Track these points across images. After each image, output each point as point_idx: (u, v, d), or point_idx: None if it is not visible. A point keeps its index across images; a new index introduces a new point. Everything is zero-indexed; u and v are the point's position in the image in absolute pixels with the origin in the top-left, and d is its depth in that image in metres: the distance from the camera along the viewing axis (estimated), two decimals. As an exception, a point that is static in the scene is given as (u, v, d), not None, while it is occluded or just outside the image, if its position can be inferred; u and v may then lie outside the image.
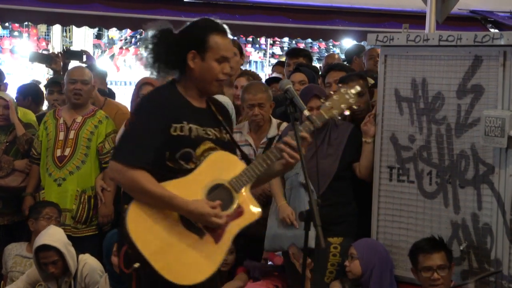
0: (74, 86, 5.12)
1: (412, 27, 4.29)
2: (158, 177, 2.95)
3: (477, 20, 10.54)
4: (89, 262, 4.57)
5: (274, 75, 6.94)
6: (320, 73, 6.30)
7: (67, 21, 9.32)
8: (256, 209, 3.04)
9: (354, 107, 3.12)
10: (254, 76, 5.35)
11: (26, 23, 10.64)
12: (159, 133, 2.97)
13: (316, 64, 10.18)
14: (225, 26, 3.13)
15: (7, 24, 11.21)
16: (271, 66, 9.51)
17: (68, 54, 6.83)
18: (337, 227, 4.30)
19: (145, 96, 3.26)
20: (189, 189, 2.95)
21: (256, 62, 12.80)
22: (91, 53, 12.47)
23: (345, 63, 7.03)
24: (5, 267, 5.09)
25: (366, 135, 4.34)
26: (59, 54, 6.89)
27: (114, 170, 3.00)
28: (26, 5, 8.64)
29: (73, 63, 6.56)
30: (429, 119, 4.15)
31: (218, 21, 3.14)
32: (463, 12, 10.04)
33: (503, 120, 3.75)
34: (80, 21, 9.18)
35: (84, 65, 6.24)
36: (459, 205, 4.05)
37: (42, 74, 10.62)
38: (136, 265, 2.92)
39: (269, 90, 4.77)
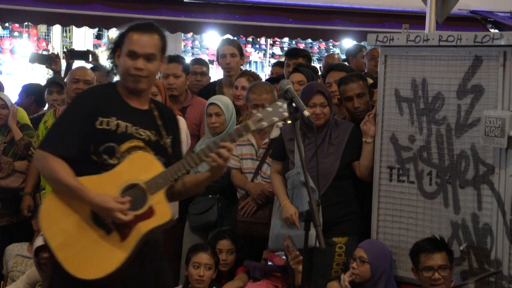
0: (76, 86, 5.13)
1: (412, 27, 4.28)
2: (82, 170, 3.02)
3: (477, 20, 10.54)
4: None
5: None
6: (319, 73, 6.30)
7: (67, 21, 9.31)
8: (167, 212, 3.05)
9: (288, 121, 3.15)
10: (254, 77, 5.35)
11: (26, 23, 10.63)
12: (83, 125, 3.04)
13: (316, 64, 10.19)
14: (153, 25, 3.18)
15: (7, 24, 11.19)
16: (271, 67, 9.52)
17: (73, 54, 6.82)
18: (341, 226, 4.30)
19: (82, 90, 3.34)
20: (106, 185, 3.01)
21: (256, 62, 12.79)
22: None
23: (346, 63, 7.03)
24: (6, 267, 5.09)
25: (366, 134, 4.34)
26: (58, 54, 6.87)
27: (36, 157, 3.12)
28: (26, 5, 8.64)
29: (78, 63, 6.55)
30: (429, 119, 4.14)
31: (152, 22, 3.21)
32: (463, 12, 10.04)
33: (503, 120, 3.75)
34: (80, 21, 9.17)
35: (89, 65, 6.22)
36: (459, 205, 4.05)
37: (42, 75, 10.62)
38: (45, 254, 3.00)
39: (274, 90, 4.76)
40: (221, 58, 5.79)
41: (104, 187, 3.00)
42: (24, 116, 5.73)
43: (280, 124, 3.15)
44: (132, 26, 3.17)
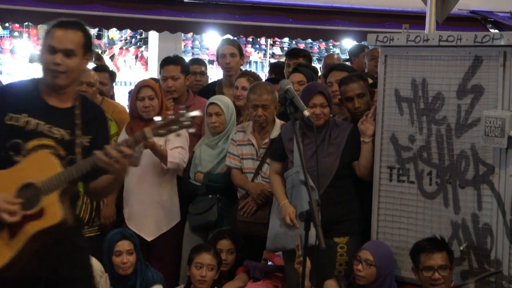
0: (79, 88, 5.12)
1: (412, 27, 4.28)
2: None
3: (477, 20, 10.56)
4: (89, 262, 4.56)
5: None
6: (319, 73, 6.30)
7: (67, 21, 9.31)
8: (57, 214, 2.96)
9: (191, 130, 3.07)
10: (254, 77, 5.34)
11: (26, 23, 10.64)
12: None
13: (316, 64, 10.19)
14: (77, 23, 3.15)
15: (7, 24, 11.20)
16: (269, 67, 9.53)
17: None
18: (342, 226, 4.29)
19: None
20: (3, 183, 2.99)
21: (256, 62, 12.80)
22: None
23: (348, 62, 7.04)
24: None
25: (364, 134, 4.34)
26: None
27: None
28: (26, 5, 8.65)
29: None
30: (429, 119, 4.15)
31: (77, 20, 3.19)
32: (463, 12, 10.06)
33: (503, 120, 3.75)
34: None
35: (92, 65, 6.21)
36: (459, 205, 4.05)
37: (41, 75, 10.60)
38: None
39: (275, 91, 4.73)
40: (220, 58, 5.78)
41: (1, 185, 2.98)
42: None
43: (180, 131, 3.02)
44: (55, 22, 3.16)
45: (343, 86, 4.58)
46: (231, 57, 5.69)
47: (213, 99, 5.09)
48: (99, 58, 6.69)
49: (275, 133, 4.74)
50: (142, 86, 4.99)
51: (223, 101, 5.04)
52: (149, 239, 4.92)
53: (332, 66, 5.38)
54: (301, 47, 11.13)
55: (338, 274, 4.25)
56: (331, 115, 4.49)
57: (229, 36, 9.23)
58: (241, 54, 5.77)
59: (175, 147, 4.82)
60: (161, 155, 4.79)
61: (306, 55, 6.44)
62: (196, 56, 11.76)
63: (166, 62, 5.51)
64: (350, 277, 4.18)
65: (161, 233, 4.96)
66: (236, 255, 4.77)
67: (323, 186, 4.26)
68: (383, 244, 4.26)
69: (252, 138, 4.80)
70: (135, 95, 4.98)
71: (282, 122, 4.80)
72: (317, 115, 4.30)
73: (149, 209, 4.94)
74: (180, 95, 5.42)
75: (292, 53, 6.50)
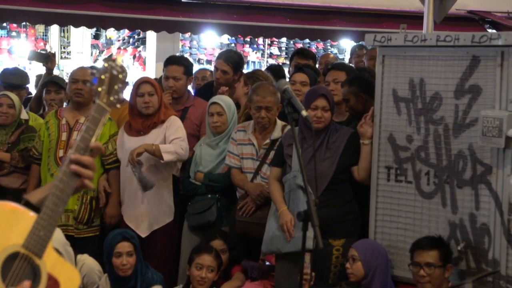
0: (75, 86, 5.14)
1: (410, 27, 4.29)
2: None
3: (475, 20, 10.57)
4: (87, 263, 4.56)
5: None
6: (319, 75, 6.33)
7: (65, 21, 9.33)
8: (74, 273, 2.07)
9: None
10: (255, 78, 5.30)
11: (24, 23, 10.64)
12: None
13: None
14: None
15: (4, 24, 11.20)
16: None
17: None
18: (337, 227, 4.28)
19: None
20: None
21: (254, 62, 12.80)
22: (89, 54, 12.48)
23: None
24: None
25: (363, 136, 4.33)
26: (55, 53, 6.85)
27: None
28: (24, 5, 8.65)
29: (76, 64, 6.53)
30: (427, 119, 4.15)
31: None
32: (461, 12, 10.06)
33: (500, 120, 3.76)
34: (78, 21, 9.19)
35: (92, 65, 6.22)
36: (456, 205, 4.05)
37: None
38: None
39: (278, 93, 4.71)
40: (214, 68, 5.81)
41: None
42: (40, 122, 5.69)
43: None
44: None
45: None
46: (221, 74, 5.66)
47: (215, 98, 5.08)
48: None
49: (276, 133, 4.73)
50: (141, 82, 5.02)
51: (225, 101, 5.04)
52: (142, 235, 4.93)
53: (331, 65, 5.40)
54: (299, 47, 11.12)
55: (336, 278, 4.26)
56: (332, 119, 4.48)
57: (227, 36, 9.23)
58: (236, 70, 5.69)
59: (174, 138, 4.90)
60: (155, 154, 4.83)
61: (314, 57, 6.52)
62: (194, 56, 11.78)
63: (169, 62, 5.51)
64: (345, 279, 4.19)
65: (152, 230, 4.97)
66: (229, 254, 4.76)
67: (319, 190, 4.23)
68: (372, 241, 4.27)
69: (253, 138, 4.79)
70: (135, 91, 5.00)
71: (283, 123, 4.78)
72: (318, 118, 4.26)
73: (144, 207, 4.96)
74: (180, 96, 5.43)
75: (301, 53, 6.51)
